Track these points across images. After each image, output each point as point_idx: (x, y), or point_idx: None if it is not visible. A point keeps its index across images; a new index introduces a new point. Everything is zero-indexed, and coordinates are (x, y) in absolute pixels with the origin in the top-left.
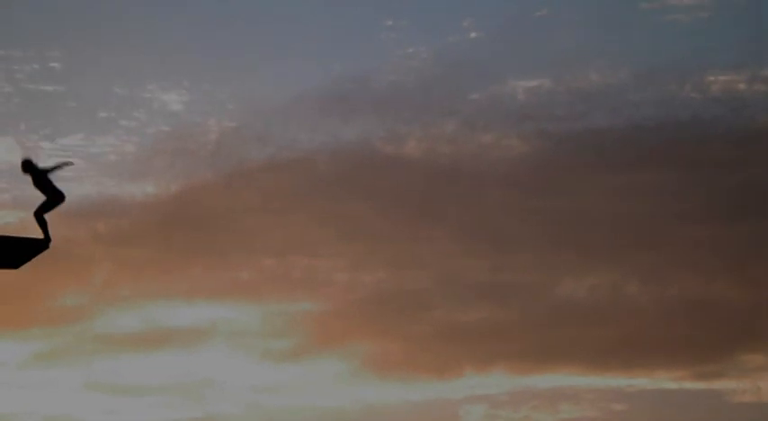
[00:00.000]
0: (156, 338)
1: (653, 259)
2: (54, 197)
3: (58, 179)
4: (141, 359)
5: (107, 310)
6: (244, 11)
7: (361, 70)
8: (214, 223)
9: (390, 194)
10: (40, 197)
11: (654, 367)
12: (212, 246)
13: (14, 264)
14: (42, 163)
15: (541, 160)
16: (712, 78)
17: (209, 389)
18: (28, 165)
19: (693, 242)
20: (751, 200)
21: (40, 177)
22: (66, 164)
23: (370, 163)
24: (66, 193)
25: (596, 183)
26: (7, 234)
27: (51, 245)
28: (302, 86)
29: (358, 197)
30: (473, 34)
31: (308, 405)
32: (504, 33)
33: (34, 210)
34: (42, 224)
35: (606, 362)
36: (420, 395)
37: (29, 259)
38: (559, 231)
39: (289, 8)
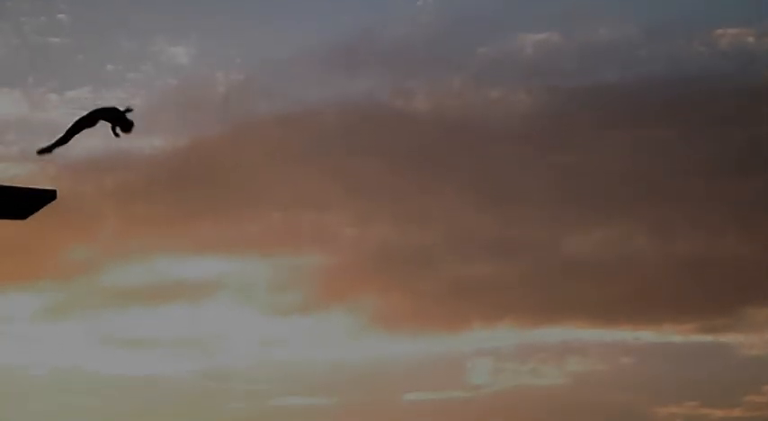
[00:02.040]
0: (163, 292)
1: (661, 214)
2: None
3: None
4: (149, 312)
5: (115, 264)
6: None
7: (368, 24)
8: (222, 177)
9: (398, 149)
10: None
11: (661, 321)
12: (220, 200)
13: (22, 214)
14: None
15: (550, 115)
16: (721, 33)
17: (217, 343)
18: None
19: (702, 197)
20: (760, 155)
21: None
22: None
23: (378, 118)
24: (70, 145)
25: (604, 139)
26: (14, 185)
27: (58, 194)
28: (310, 40)
29: (366, 152)
30: None
31: (315, 358)
32: None
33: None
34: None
35: (613, 315)
36: (428, 349)
37: (36, 210)
38: (568, 186)
39: None
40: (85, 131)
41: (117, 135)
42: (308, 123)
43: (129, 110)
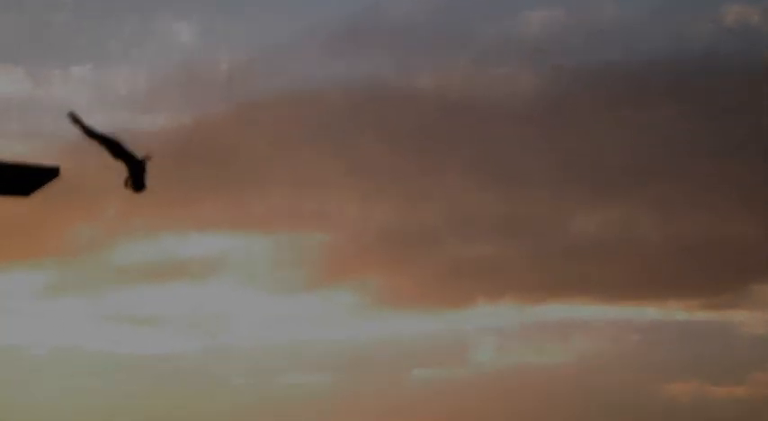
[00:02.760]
0: (167, 270)
1: (666, 194)
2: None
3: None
4: (152, 290)
5: (118, 242)
6: None
7: (372, 4)
8: (225, 155)
9: (402, 129)
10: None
11: (666, 298)
12: (224, 179)
13: (25, 191)
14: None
15: (554, 95)
16: (726, 11)
17: (221, 321)
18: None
19: (706, 176)
20: (765, 135)
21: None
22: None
23: (382, 97)
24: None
25: (609, 118)
26: (18, 162)
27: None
28: (314, 20)
29: (369, 131)
30: None
31: (319, 336)
32: None
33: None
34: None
35: (618, 293)
36: (432, 327)
37: (39, 187)
38: (572, 166)
39: None
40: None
41: (126, 185)
42: (312, 102)
43: (146, 159)
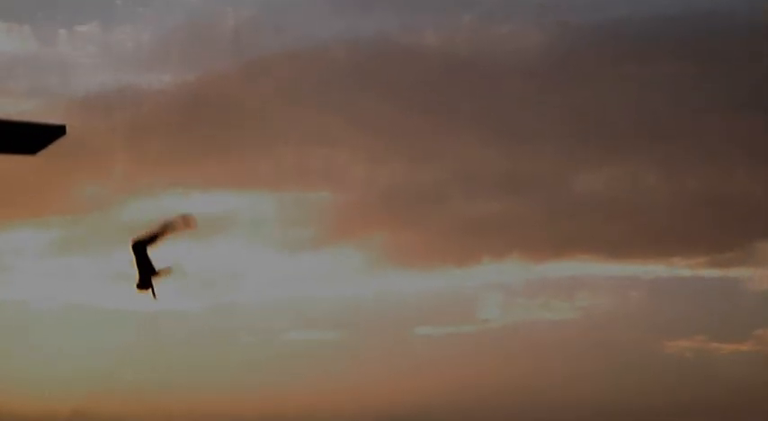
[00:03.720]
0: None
1: (672, 150)
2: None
3: None
4: (159, 248)
5: (124, 200)
6: None
7: None
8: (231, 113)
9: (408, 86)
10: None
11: (671, 255)
12: (230, 136)
13: (32, 150)
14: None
15: (560, 52)
16: None
17: (229, 278)
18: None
19: (713, 133)
20: None
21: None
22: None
23: (387, 54)
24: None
25: (615, 75)
26: (24, 120)
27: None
28: None
29: (375, 88)
30: None
31: (326, 294)
32: None
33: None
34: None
35: (623, 250)
36: (438, 284)
37: (46, 145)
38: (577, 123)
39: None
40: (94, 66)
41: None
42: (318, 60)
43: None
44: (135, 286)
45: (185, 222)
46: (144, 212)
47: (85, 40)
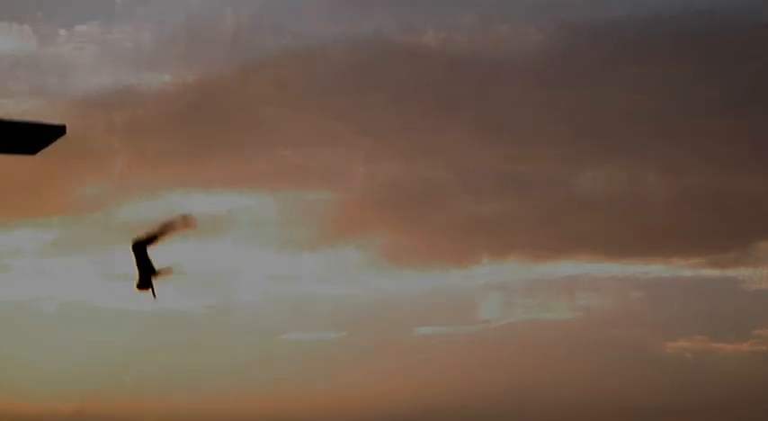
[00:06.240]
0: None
1: (671, 149)
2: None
3: None
4: (159, 248)
5: (124, 200)
6: None
7: None
8: (230, 113)
9: (407, 86)
10: None
11: (671, 255)
12: (230, 136)
13: (32, 150)
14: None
15: (560, 50)
16: None
17: (228, 278)
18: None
19: (713, 133)
20: None
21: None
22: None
23: (387, 54)
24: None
25: (615, 74)
26: (24, 120)
27: None
28: None
29: (374, 88)
30: None
31: (326, 294)
32: None
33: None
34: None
35: (623, 250)
36: (438, 284)
37: (46, 145)
38: (577, 122)
39: None
40: (94, 66)
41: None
42: (318, 60)
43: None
44: (135, 286)
45: (185, 222)
46: (144, 212)
47: (85, 40)
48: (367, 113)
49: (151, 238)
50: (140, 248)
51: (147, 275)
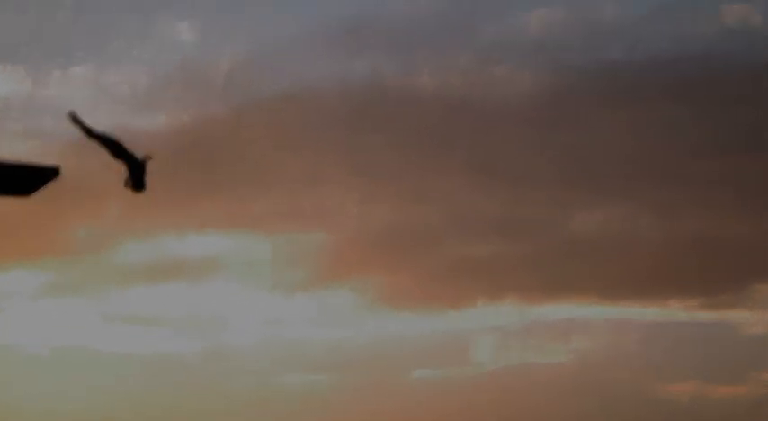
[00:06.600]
0: (168, 270)
1: (666, 194)
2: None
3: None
4: (153, 290)
5: (118, 242)
6: None
7: (371, 2)
8: (225, 155)
9: (402, 128)
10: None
11: (666, 298)
12: (224, 178)
13: (26, 191)
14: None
15: (554, 93)
16: (726, 11)
17: (221, 321)
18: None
19: (706, 177)
20: (765, 134)
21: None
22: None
23: (382, 96)
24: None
25: (610, 118)
26: (18, 161)
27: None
28: (313, 19)
29: (369, 131)
30: None
31: (320, 336)
32: None
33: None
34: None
35: (618, 293)
36: (432, 326)
37: (40, 187)
38: (572, 165)
39: None
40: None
41: (126, 185)
42: (312, 102)
43: (146, 159)
44: (131, 189)
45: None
46: (138, 254)
47: (80, 82)
48: (361, 155)
49: (87, 130)
50: (114, 144)
51: (137, 173)
